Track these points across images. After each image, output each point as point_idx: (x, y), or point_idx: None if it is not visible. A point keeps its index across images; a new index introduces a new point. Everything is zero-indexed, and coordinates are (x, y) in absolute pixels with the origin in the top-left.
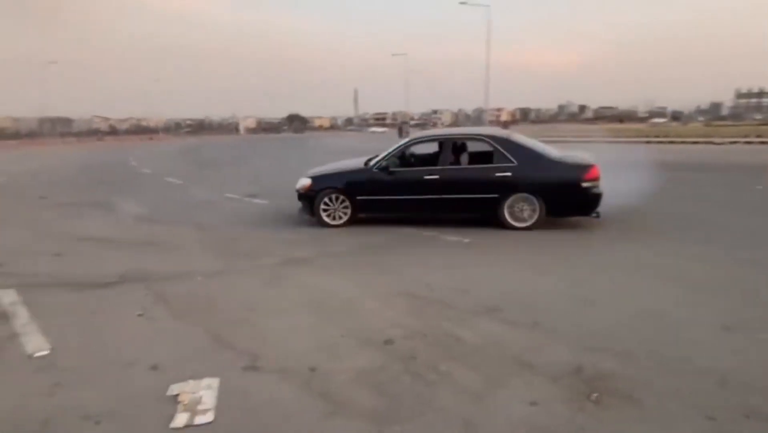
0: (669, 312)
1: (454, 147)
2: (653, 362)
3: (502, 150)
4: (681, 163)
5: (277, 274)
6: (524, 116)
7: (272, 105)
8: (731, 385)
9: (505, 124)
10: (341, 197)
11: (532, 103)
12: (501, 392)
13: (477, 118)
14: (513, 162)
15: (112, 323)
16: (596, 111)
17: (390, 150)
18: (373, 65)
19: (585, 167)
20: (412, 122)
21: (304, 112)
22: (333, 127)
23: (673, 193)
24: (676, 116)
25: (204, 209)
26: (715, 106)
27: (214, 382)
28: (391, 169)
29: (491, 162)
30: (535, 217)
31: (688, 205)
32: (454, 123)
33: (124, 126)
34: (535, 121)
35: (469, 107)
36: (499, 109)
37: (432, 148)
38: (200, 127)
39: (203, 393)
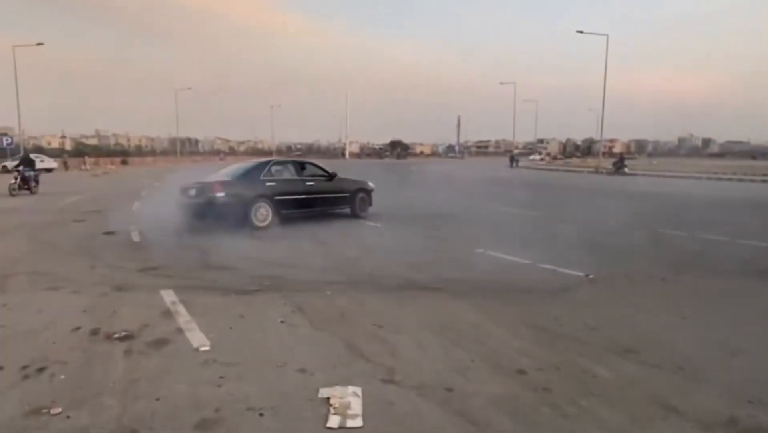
0: None
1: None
2: None
3: None
4: None
5: (400, 294)
6: (640, 148)
7: (376, 130)
8: None
9: (621, 157)
10: None
11: (650, 134)
12: None
13: (587, 148)
14: None
15: (259, 326)
16: (722, 145)
17: None
18: (478, 94)
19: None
20: (516, 151)
21: (406, 139)
22: (434, 153)
23: None
24: None
25: (320, 228)
26: None
27: (358, 390)
28: None
29: None
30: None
31: None
32: (561, 152)
33: (242, 147)
34: (652, 154)
35: (579, 137)
36: (612, 140)
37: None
38: (309, 151)
39: (351, 399)
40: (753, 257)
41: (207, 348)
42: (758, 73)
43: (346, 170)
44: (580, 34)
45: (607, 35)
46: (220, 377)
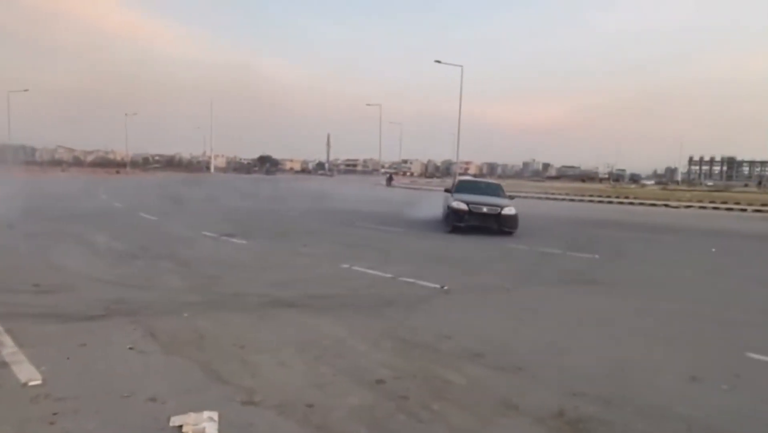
0: (639, 361)
1: None
2: (629, 407)
3: None
4: (644, 224)
5: (263, 313)
6: (491, 171)
7: (243, 145)
8: (697, 432)
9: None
10: None
11: (499, 158)
12: None
13: (446, 169)
14: None
15: (103, 355)
16: (559, 169)
17: None
18: (347, 113)
19: None
20: (383, 170)
21: (276, 154)
22: (304, 170)
23: (640, 252)
24: (634, 178)
25: (182, 246)
26: (670, 171)
27: (215, 415)
28: None
29: None
30: None
31: (654, 265)
32: (423, 173)
33: (90, 158)
34: (501, 177)
35: (438, 159)
36: (467, 163)
37: None
38: (170, 164)
39: (206, 425)
40: (579, 267)
41: (38, 382)
42: (591, 108)
43: (206, 186)
44: (439, 64)
45: (462, 66)
46: (54, 414)
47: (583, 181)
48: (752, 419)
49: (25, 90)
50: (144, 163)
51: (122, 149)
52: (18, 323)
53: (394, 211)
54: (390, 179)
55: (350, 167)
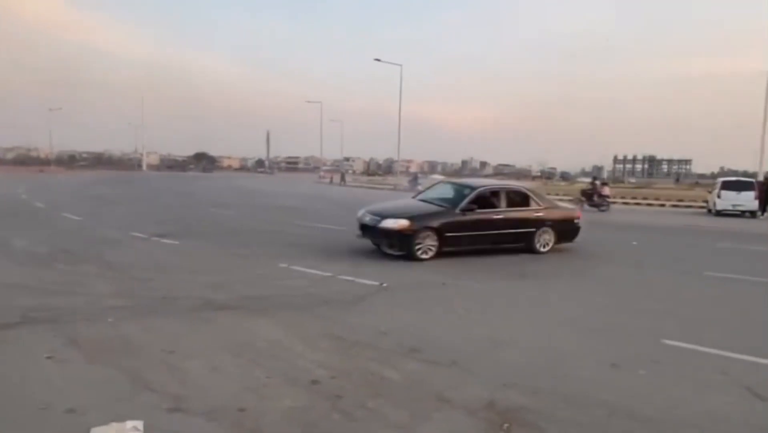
0: (565, 351)
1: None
2: (556, 395)
3: None
4: None
5: (196, 316)
6: (432, 168)
7: (178, 143)
8: (618, 415)
9: (415, 176)
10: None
11: (439, 157)
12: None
13: (388, 167)
14: None
15: (17, 365)
16: (495, 168)
17: None
18: (287, 110)
19: None
20: (325, 167)
21: (213, 152)
22: (243, 168)
23: (568, 246)
24: (564, 176)
25: (109, 248)
26: (597, 169)
27: (139, 424)
28: None
29: None
30: None
31: (580, 257)
32: (366, 171)
33: (10, 156)
34: (442, 174)
35: (380, 156)
36: (409, 161)
37: None
38: (98, 161)
39: None
40: (513, 262)
41: None
42: (524, 108)
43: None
44: (379, 62)
45: (401, 65)
46: None
47: (518, 178)
48: (668, 400)
49: None
50: (70, 161)
51: (46, 146)
52: None
53: (340, 211)
54: (343, 177)
55: (291, 165)
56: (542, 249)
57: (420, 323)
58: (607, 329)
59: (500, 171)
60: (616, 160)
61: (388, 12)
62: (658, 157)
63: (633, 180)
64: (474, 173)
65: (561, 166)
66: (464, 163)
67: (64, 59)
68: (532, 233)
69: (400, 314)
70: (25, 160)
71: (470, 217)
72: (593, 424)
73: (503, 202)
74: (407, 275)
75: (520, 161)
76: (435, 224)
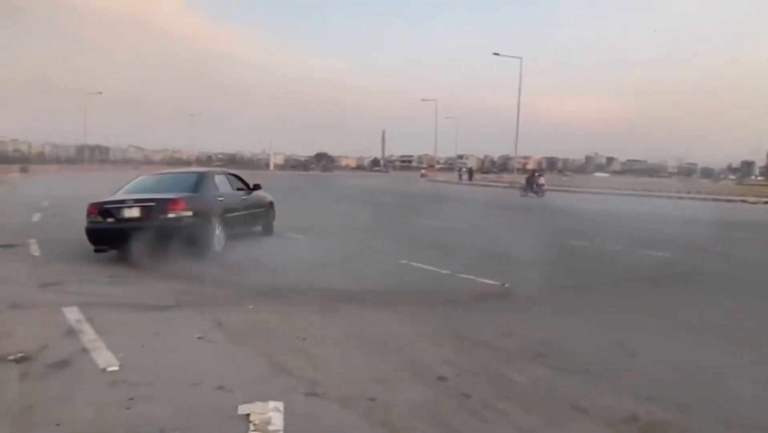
0: (715, 366)
1: None
2: (708, 414)
3: None
4: (719, 221)
5: (324, 306)
6: (551, 165)
7: (300, 143)
8: None
9: (533, 173)
10: None
11: (560, 153)
12: None
13: (503, 164)
14: None
15: (174, 344)
16: (624, 164)
17: None
18: (403, 109)
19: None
20: (438, 166)
21: (332, 151)
22: (359, 167)
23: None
24: (706, 173)
25: (242, 241)
26: (747, 165)
27: (280, 405)
28: None
29: None
30: None
31: (727, 263)
32: (480, 168)
33: (158, 157)
34: (562, 171)
35: (496, 154)
36: (526, 157)
37: None
38: (231, 162)
39: (272, 415)
40: (647, 265)
41: (115, 368)
42: (658, 99)
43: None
44: (497, 56)
45: (521, 58)
46: (129, 399)
47: (651, 176)
48: None
49: (99, 93)
50: (208, 161)
51: (188, 148)
52: (97, 311)
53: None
54: (470, 174)
55: (405, 163)
56: None
57: (546, 327)
58: (761, 342)
59: (629, 167)
60: None
61: (504, 4)
62: None
63: None
64: (599, 170)
65: (703, 162)
66: (588, 159)
67: (202, 68)
68: None
69: (524, 316)
70: (171, 161)
71: None
72: None
73: None
74: (531, 276)
75: (654, 156)
76: None
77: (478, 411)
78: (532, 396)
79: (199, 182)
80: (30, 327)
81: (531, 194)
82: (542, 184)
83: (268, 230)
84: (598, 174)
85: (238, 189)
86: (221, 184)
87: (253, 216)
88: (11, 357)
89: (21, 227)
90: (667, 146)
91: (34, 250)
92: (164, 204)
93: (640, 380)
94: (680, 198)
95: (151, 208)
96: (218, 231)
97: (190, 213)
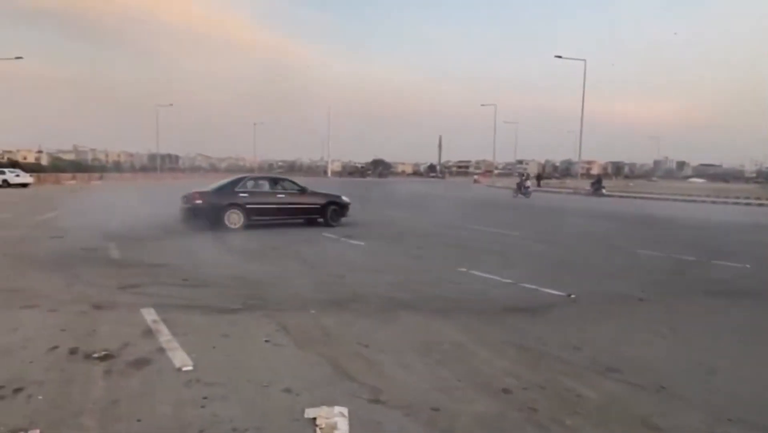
0: None
1: None
2: None
3: None
4: None
5: (383, 313)
6: (617, 171)
7: (357, 149)
8: None
9: (598, 178)
10: None
11: (626, 157)
12: None
13: (565, 169)
14: None
15: (243, 346)
16: (696, 168)
17: None
18: (459, 114)
19: None
20: (496, 171)
21: (388, 158)
22: (415, 173)
23: None
24: None
25: (305, 246)
26: None
27: (345, 411)
28: None
29: None
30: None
31: None
32: (541, 174)
33: (223, 165)
34: (629, 176)
35: (557, 158)
36: (590, 162)
37: None
38: (291, 169)
39: (337, 419)
40: (725, 277)
41: (190, 368)
42: (735, 99)
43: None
44: (559, 59)
45: (585, 60)
46: (204, 398)
47: (727, 181)
48: None
49: (170, 105)
50: (269, 169)
51: (251, 156)
52: (171, 313)
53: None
54: (538, 179)
55: (462, 169)
56: None
57: (616, 340)
58: None
59: (702, 172)
60: None
61: (565, 5)
62: None
63: None
64: (669, 175)
65: None
66: (656, 163)
67: (264, 78)
68: None
69: (593, 328)
70: (235, 169)
71: None
72: None
73: None
74: (596, 286)
75: (729, 160)
76: None
77: (546, 427)
78: (603, 413)
79: (220, 185)
80: (111, 326)
81: (520, 195)
82: (528, 186)
83: (329, 222)
84: (694, 179)
85: (282, 190)
86: (252, 186)
87: (292, 210)
88: (96, 355)
89: (101, 231)
90: (744, 149)
91: (114, 253)
92: (190, 196)
93: (719, 399)
94: (761, 205)
95: (188, 198)
96: (234, 215)
97: (200, 201)
